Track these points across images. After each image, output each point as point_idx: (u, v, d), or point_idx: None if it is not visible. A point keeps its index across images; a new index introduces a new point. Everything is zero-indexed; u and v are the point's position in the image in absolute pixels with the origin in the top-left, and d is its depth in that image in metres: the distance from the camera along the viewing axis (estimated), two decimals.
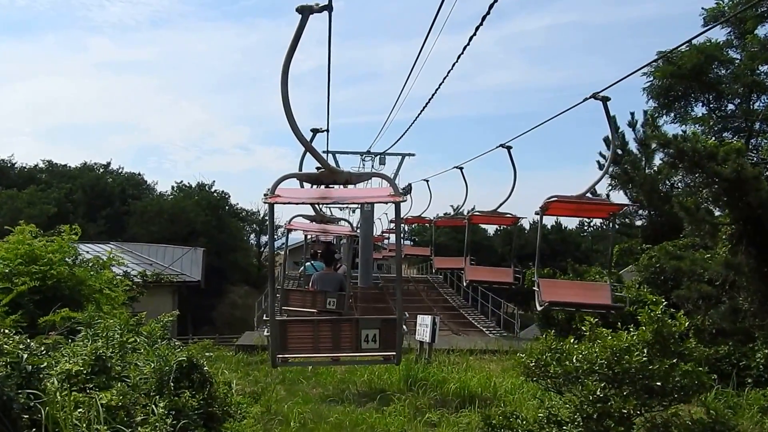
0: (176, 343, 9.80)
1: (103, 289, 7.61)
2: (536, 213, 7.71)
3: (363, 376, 8.25)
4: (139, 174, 62.11)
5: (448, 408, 6.72)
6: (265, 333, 6.81)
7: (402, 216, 22.62)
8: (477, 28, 6.17)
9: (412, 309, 22.34)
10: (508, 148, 8.78)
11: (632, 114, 14.13)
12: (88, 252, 10.08)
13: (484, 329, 17.66)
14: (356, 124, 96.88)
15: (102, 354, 4.13)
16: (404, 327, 5.40)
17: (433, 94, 9.07)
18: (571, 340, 5.35)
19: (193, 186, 59.71)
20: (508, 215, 10.97)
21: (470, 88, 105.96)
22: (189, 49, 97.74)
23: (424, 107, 10.00)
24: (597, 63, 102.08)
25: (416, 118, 13.98)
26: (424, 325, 10.24)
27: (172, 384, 4.32)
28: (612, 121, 7.87)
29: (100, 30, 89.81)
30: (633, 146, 15.09)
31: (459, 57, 7.12)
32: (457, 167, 11.53)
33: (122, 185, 58.37)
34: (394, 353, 4.96)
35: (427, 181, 16.38)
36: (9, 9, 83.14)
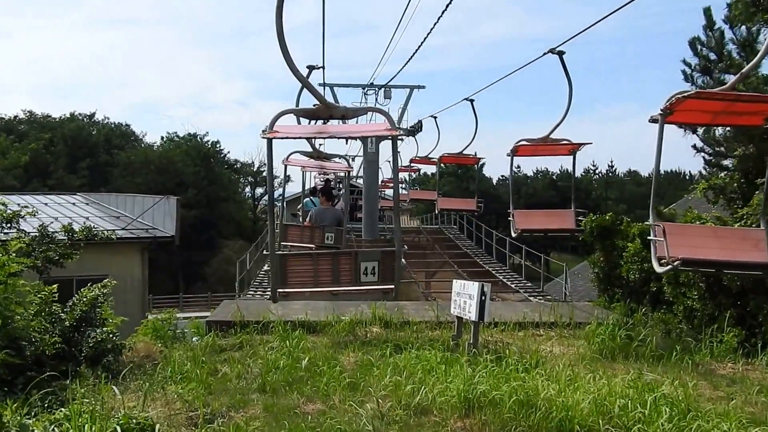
0: (117, 323, 6.98)
1: None
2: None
3: (385, 377, 5.32)
4: (126, 124, 58.72)
5: None
6: (265, 268, 5.73)
7: (428, 156, 19.16)
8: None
9: (427, 267, 19.41)
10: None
11: (729, 6, 10.36)
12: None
13: (521, 291, 14.63)
14: (352, 77, 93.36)
15: None
16: (403, 260, 5.76)
17: (429, 33, 9.89)
18: None
19: (184, 136, 56.55)
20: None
21: (465, 39, 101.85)
22: (184, 4, 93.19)
23: (424, 39, 10.25)
24: (590, 12, 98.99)
25: (422, 41, 11.04)
26: (464, 295, 6.97)
27: None
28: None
29: None
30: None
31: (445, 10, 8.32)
32: (553, 51, 8.01)
33: (107, 135, 55.09)
34: (393, 286, 5.40)
35: (472, 100, 12.03)
36: None
